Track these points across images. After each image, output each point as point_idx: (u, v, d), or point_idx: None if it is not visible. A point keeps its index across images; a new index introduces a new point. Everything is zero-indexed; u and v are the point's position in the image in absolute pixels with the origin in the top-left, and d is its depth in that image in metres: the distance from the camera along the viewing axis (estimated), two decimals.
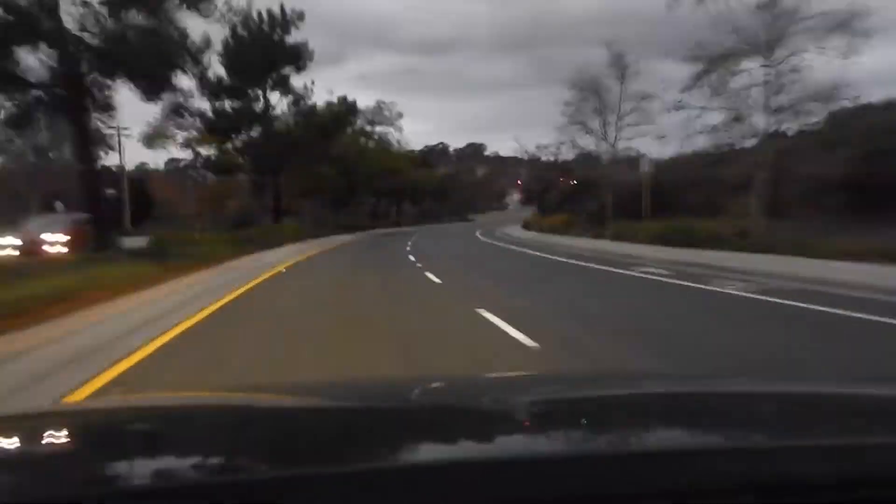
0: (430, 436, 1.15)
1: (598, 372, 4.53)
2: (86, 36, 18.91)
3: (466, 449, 1.09)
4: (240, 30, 35.59)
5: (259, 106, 39.77)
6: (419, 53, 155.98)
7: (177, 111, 32.24)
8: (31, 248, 18.84)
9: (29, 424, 1.32)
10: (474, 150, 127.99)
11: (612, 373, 4.06)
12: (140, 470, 1.00)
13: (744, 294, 10.78)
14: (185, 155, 42.64)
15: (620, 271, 15.86)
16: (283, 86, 39.81)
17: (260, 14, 36.80)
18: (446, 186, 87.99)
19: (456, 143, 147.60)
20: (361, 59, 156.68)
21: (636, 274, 14.97)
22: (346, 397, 1.57)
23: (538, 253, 24.65)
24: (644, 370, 5.10)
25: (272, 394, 1.73)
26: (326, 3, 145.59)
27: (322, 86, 53.89)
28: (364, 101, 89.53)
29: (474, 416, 1.30)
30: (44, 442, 1.19)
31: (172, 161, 52.23)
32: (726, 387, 1.68)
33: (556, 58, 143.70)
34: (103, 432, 1.24)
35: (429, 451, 1.08)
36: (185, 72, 21.64)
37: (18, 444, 1.15)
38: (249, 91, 38.89)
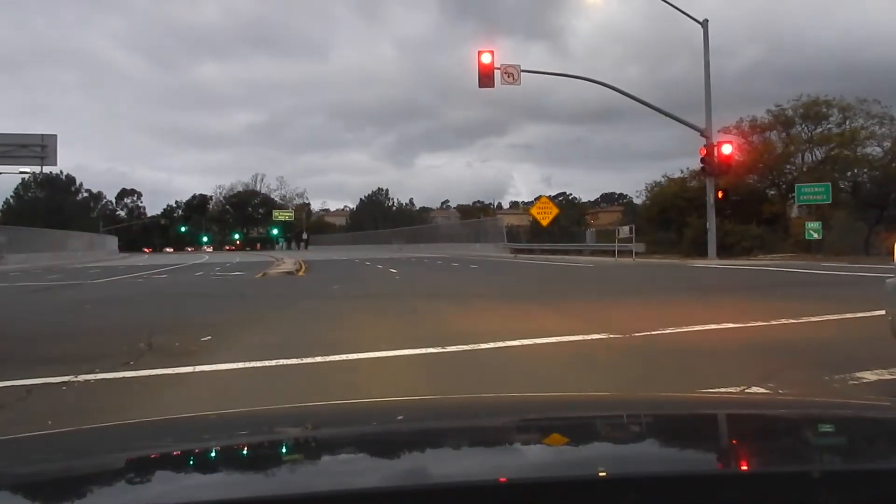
0: (420, 458, 1.17)
1: (600, 394, 4.07)
2: None
3: (463, 472, 1.07)
4: None
5: None
6: (579, 123, 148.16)
7: None
8: None
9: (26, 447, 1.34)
10: None
11: (608, 395, 3.61)
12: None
13: None
14: None
15: None
16: None
17: None
18: None
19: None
20: (524, 129, 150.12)
21: None
22: (343, 421, 1.54)
23: None
24: (639, 393, 4.57)
25: (270, 419, 1.63)
26: None
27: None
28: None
29: (473, 438, 1.32)
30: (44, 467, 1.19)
31: None
32: (726, 408, 1.66)
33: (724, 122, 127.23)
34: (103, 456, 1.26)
35: (421, 474, 1.07)
36: None
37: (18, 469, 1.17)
38: None
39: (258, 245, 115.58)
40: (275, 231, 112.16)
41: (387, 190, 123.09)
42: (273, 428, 1.47)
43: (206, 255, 75.38)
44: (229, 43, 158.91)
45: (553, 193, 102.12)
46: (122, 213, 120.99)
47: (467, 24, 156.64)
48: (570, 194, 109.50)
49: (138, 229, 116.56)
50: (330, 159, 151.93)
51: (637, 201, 51.99)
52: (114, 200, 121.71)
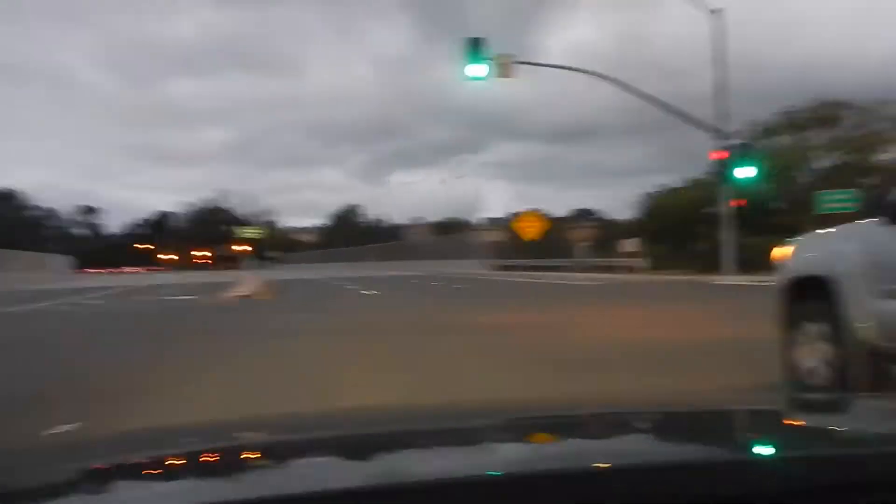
0: (405, 457, 1.20)
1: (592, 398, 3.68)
2: None
3: (463, 469, 1.08)
4: None
5: None
6: (553, 141, 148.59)
7: None
8: None
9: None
10: None
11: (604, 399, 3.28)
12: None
13: None
14: None
15: None
16: None
17: None
18: None
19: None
20: (498, 147, 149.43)
21: None
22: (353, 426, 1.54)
23: None
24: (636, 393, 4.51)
25: (268, 426, 1.65)
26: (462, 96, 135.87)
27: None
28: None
29: (472, 439, 1.33)
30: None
31: None
32: (721, 405, 1.71)
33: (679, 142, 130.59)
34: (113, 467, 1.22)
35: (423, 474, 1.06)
36: None
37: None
38: None
39: (225, 264, 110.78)
40: (240, 249, 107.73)
41: (358, 206, 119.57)
42: (256, 434, 1.48)
43: (168, 274, 70.79)
44: (203, 60, 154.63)
45: (525, 210, 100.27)
46: (84, 231, 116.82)
47: (442, 44, 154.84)
48: (544, 210, 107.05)
49: (101, 248, 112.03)
50: (304, 177, 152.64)
51: (619, 216, 48.63)
52: (66, 218, 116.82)
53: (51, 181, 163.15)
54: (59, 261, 73.86)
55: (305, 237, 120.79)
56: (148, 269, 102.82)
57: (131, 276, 66.60)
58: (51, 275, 63.09)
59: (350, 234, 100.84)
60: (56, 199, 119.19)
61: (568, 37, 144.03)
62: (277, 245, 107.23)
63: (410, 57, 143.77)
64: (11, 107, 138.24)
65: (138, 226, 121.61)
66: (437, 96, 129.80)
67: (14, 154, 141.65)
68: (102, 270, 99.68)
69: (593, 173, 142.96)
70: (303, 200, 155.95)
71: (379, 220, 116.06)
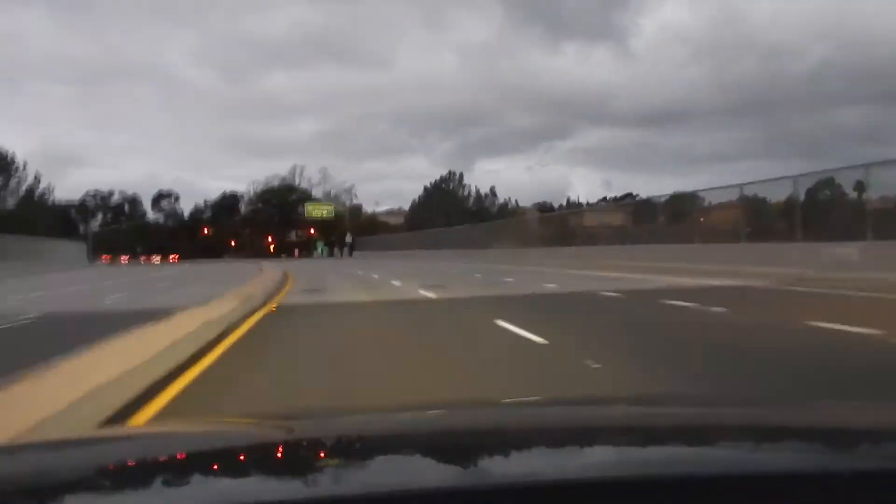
0: (434, 462, 1.17)
1: (610, 396, 4.06)
2: None
3: (475, 475, 1.06)
4: None
5: None
6: (642, 126, 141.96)
7: None
8: None
9: (67, 451, 1.33)
10: None
11: (623, 397, 3.71)
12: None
13: None
14: None
15: None
16: None
17: None
18: None
19: None
20: (586, 133, 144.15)
21: None
22: (369, 424, 1.54)
23: None
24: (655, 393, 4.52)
25: (281, 422, 1.61)
26: (550, 81, 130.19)
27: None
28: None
29: (488, 441, 1.30)
30: (75, 470, 1.15)
31: None
32: (742, 410, 1.68)
33: (792, 124, 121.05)
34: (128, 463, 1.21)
35: (432, 478, 1.05)
36: None
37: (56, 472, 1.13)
38: None
39: (296, 251, 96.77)
40: (312, 233, 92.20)
41: (461, 175, 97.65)
42: (266, 435, 1.42)
43: (219, 264, 56.67)
44: (296, 53, 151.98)
45: (614, 196, 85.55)
46: (159, 218, 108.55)
47: (532, 29, 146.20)
48: (637, 194, 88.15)
49: (166, 235, 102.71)
50: (392, 166, 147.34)
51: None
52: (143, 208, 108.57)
53: (152, 172, 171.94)
54: (69, 248, 62.05)
55: (392, 220, 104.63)
56: (174, 259, 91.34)
57: (162, 269, 52.56)
58: (59, 263, 51.29)
59: (448, 212, 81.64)
60: (149, 189, 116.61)
61: (661, 15, 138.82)
62: (357, 229, 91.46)
63: (498, 43, 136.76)
64: (119, 103, 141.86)
65: (202, 209, 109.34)
66: (524, 82, 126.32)
67: (119, 148, 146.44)
68: (118, 260, 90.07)
69: (684, 159, 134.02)
70: (390, 190, 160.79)
71: (484, 194, 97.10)
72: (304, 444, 1.32)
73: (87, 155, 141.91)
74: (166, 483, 1.07)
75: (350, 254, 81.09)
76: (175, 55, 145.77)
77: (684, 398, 2.63)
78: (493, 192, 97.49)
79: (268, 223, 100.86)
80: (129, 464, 1.19)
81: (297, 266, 42.14)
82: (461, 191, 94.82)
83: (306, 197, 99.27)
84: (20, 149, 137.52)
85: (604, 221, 41.36)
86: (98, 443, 1.48)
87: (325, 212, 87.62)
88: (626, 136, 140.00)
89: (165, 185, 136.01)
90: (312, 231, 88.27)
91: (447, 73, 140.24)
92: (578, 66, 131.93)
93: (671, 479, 0.93)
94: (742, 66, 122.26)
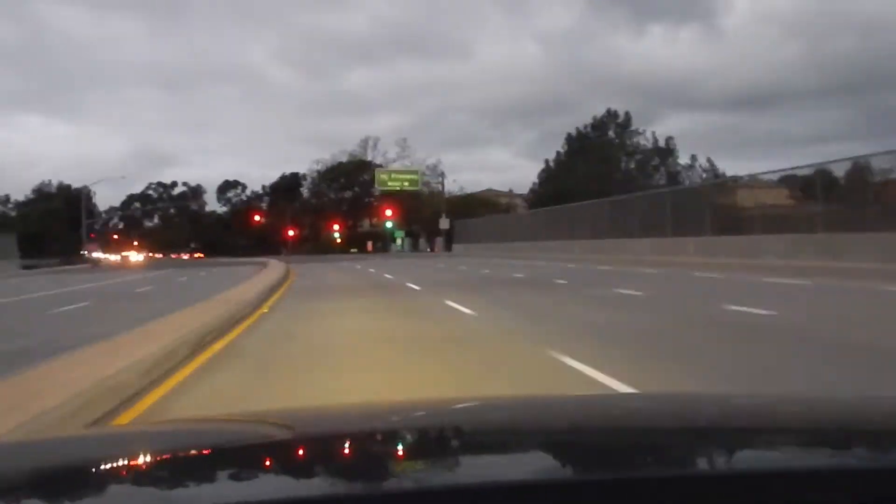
0: (439, 459, 1.15)
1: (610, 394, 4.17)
2: None
3: (475, 473, 1.06)
4: None
5: None
6: (731, 110, 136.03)
7: None
8: None
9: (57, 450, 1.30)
10: None
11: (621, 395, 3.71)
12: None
13: None
14: None
15: None
16: None
17: None
18: None
19: None
20: (672, 117, 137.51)
21: None
22: (370, 420, 1.49)
23: None
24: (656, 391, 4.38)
25: (283, 421, 1.53)
26: (634, 66, 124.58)
27: None
28: None
29: (493, 439, 1.31)
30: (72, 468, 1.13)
31: None
32: (741, 405, 1.66)
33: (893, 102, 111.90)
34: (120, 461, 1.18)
35: (436, 475, 1.05)
36: None
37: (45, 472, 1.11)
38: None
39: (369, 244, 75.38)
40: (389, 216, 66.92)
41: (626, 115, 65.01)
42: (269, 431, 1.40)
43: (261, 263, 35.53)
44: (376, 49, 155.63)
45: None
46: (224, 209, 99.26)
47: (616, 11, 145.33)
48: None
49: (220, 228, 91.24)
50: (472, 158, 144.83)
51: None
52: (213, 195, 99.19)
53: (245, 171, 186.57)
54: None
55: (503, 200, 79.71)
56: (193, 256, 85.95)
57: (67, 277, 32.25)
58: None
59: (599, 177, 55.59)
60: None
61: None
62: (457, 208, 65.76)
63: (580, 30, 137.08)
64: (206, 104, 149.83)
65: (259, 195, 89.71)
66: (608, 68, 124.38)
67: (205, 147, 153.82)
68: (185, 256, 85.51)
69: (777, 142, 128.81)
70: (471, 183, 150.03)
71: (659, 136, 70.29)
72: (295, 442, 1.28)
73: (177, 154, 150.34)
74: (139, 484, 1.04)
75: (448, 247, 56.84)
76: (257, 55, 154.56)
77: (683, 396, 2.47)
78: (672, 142, 65.47)
79: (334, 208, 79.56)
80: (116, 463, 1.15)
81: (365, 282, 20.40)
82: (631, 139, 65.10)
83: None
84: (118, 150, 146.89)
85: (760, 201, 27.41)
86: (82, 442, 1.45)
87: (405, 182, 60.26)
88: (714, 120, 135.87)
89: (249, 182, 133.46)
90: (389, 212, 63.53)
91: (528, 62, 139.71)
92: (665, 48, 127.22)
93: (661, 480, 0.93)
94: (838, 44, 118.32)
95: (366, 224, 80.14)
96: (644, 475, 0.98)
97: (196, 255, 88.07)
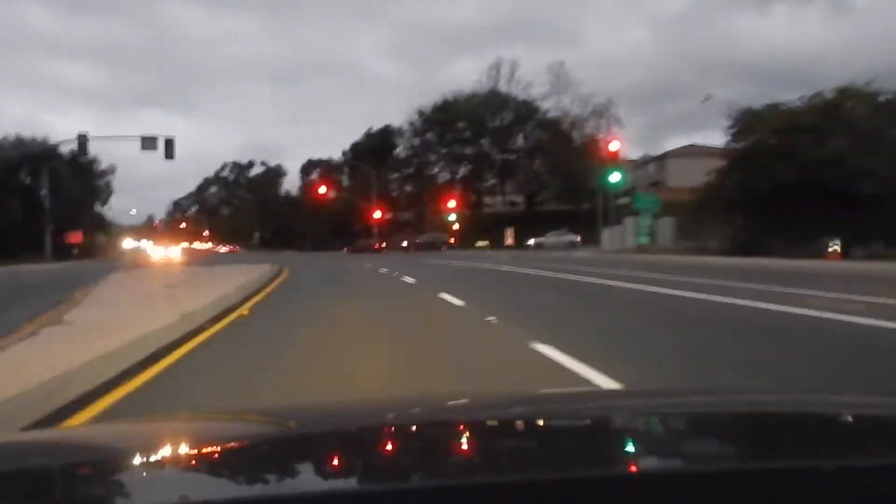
0: (435, 456, 1.14)
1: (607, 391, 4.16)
2: None
3: (477, 471, 1.06)
4: None
5: None
6: None
7: None
8: None
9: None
10: None
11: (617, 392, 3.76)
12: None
13: None
14: None
15: None
16: None
17: None
18: None
19: None
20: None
21: None
22: (366, 417, 1.48)
23: None
24: (653, 389, 4.29)
25: (276, 418, 1.55)
26: (750, 49, 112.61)
27: None
28: None
29: (493, 435, 1.32)
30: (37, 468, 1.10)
31: None
32: (738, 403, 1.62)
33: None
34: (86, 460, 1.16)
35: (434, 473, 1.05)
36: None
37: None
38: None
39: (508, 233, 44.66)
40: (616, 173, 34.11)
41: None
42: (261, 428, 1.41)
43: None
44: (482, 38, 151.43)
45: None
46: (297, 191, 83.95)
47: None
48: None
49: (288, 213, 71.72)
50: None
51: None
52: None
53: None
54: None
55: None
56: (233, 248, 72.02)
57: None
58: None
59: None
60: None
61: None
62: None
63: (691, 14, 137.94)
64: (315, 97, 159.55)
65: (343, 161, 61.84)
66: (723, 52, 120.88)
67: (313, 139, 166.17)
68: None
69: None
70: None
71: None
72: (279, 439, 1.28)
73: (286, 148, 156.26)
74: (138, 478, 1.04)
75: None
76: (365, 48, 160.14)
77: (681, 393, 2.36)
78: None
79: (449, 168, 49.48)
80: (125, 458, 1.13)
81: None
82: None
83: (527, 113, 46.46)
84: (229, 143, 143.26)
85: None
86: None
87: None
88: None
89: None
90: (619, 176, 31.75)
91: (638, 47, 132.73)
92: (786, 29, 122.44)
93: (647, 475, 0.94)
94: None
95: (511, 187, 49.23)
96: (631, 472, 0.98)
97: (231, 249, 75.35)
